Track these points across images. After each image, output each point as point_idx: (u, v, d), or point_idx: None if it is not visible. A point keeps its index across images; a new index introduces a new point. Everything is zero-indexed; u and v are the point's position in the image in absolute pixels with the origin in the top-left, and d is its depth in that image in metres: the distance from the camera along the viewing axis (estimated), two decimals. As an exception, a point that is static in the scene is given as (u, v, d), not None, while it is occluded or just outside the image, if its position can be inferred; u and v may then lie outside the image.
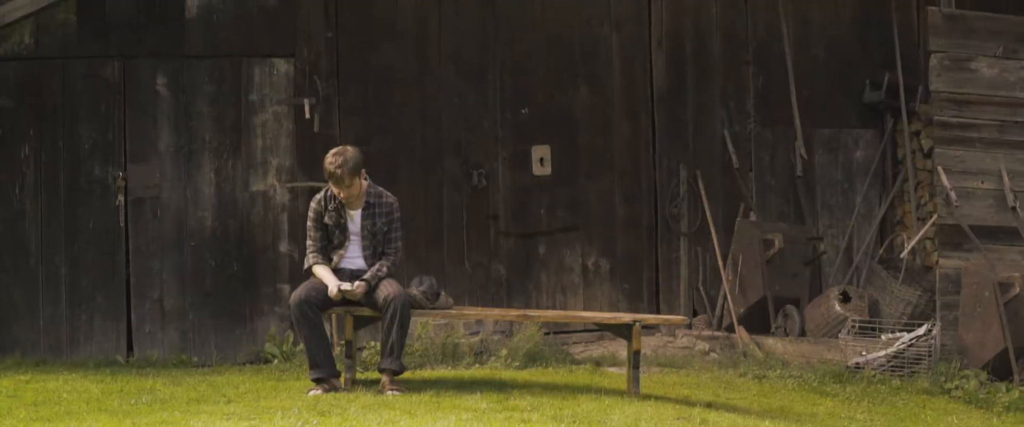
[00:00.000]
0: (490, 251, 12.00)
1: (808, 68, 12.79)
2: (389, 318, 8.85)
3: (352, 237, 9.20)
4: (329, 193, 9.19)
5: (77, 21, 11.06)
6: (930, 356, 11.11)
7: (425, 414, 7.71)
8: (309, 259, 9.22)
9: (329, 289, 8.96)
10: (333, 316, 9.53)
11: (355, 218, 9.18)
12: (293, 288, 9.89)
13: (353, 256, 9.20)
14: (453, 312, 9.87)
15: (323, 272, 9.10)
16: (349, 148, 9.13)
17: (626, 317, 9.53)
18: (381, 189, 9.33)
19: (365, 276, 9.02)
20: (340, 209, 9.17)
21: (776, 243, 12.09)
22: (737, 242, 12.26)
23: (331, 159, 9.02)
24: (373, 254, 9.21)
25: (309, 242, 9.26)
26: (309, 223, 9.27)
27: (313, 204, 9.26)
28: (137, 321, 11.16)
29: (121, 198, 11.13)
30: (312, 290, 9.00)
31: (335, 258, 9.20)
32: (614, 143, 12.34)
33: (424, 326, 10.91)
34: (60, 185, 11.05)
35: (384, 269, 9.09)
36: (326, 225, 9.20)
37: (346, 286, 8.93)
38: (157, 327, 11.15)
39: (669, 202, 12.40)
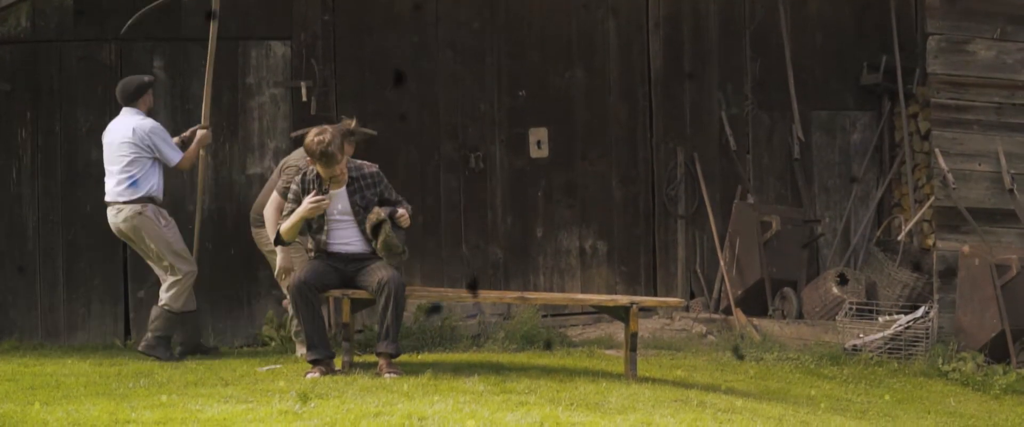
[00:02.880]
0: (487, 234, 12.00)
1: (806, 50, 12.79)
2: (384, 301, 8.83)
3: (341, 218, 9.07)
4: (309, 176, 8.99)
5: (73, 4, 11.05)
6: (927, 338, 11.13)
7: (422, 396, 7.72)
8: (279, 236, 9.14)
9: (306, 207, 8.87)
10: (329, 299, 9.50)
11: (339, 199, 9.02)
12: (290, 271, 9.91)
13: (350, 239, 9.05)
14: (450, 294, 9.87)
15: (291, 219, 8.95)
16: (327, 126, 8.97)
17: (623, 300, 9.53)
18: (359, 161, 9.17)
19: (388, 212, 8.97)
20: (321, 191, 8.95)
21: (773, 225, 12.10)
22: (734, 224, 12.27)
23: (318, 138, 8.80)
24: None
25: (283, 218, 9.12)
26: (289, 203, 9.08)
27: (293, 185, 9.06)
28: (135, 305, 11.16)
29: (118, 181, 11.12)
30: (312, 273, 8.96)
31: (314, 243, 9.10)
32: (611, 126, 12.34)
33: (421, 309, 10.91)
34: (57, 168, 11.05)
35: (403, 207, 9.08)
36: None
37: (316, 198, 8.88)
38: (155, 310, 11.14)
39: (666, 185, 12.40)
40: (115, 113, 11.09)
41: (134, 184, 10.11)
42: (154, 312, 10.19)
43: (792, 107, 12.66)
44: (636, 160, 12.41)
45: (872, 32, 12.86)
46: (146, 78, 10.50)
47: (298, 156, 9.79)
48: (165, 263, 10.17)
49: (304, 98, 11.34)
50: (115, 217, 10.16)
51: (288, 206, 9.06)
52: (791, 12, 12.72)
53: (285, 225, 9.00)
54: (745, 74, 12.67)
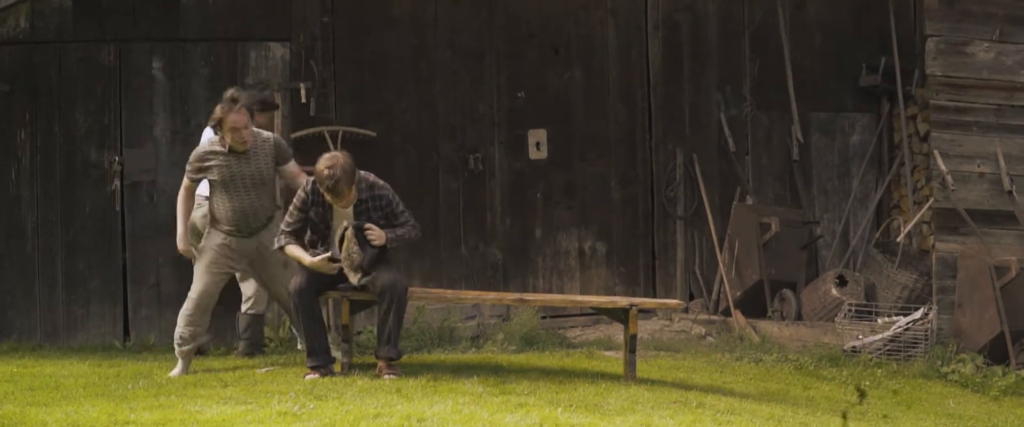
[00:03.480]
0: (487, 235, 12.00)
1: (804, 52, 12.79)
2: (386, 305, 8.78)
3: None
4: (316, 187, 8.78)
5: (73, 5, 11.04)
6: (926, 340, 11.13)
7: (422, 398, 7.71)
8: (280, 239, 8.96)
9: (308, 261, 8.78)
10: (329, 300, 9.48)
11: (346, 216, 8.85)
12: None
13: None
14: (449, 295, 9.82)
15: (297, 252, 8.89)
16: (339, 155, 8.68)
17: (622, 301, 9.52)
18: (372, 180, 8.91)
19: (356, 225, 8.78)
20: (326, 206, 8.83)
21: (773, 227, 12.10)
22: (734, 226, 12.26)
23: (328, 171, 8.56)
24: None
25: (285, 224, 8.99)
26: (292, 207, 8.97)
27: (300, 193, 8.90)
28: (134, 306, 11.16)
29: (117, 183, 11.13)
30: (312, 278, 8.89)
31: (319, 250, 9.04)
32: (610, 127, 12.34)
33: (421, 311, 10.91)
34: (56, 170, 11.05)
35: (400, 232, 8.93)
36: (310, 218, 8.91)
37: (324, 257, 8.77)
38: (154, 312, 11.15)
39: (665, 186, 12.40)
40: (114, 114, 11.11)
41: None
42: (243, 321, 10.22)
43: (791, 108, 12.65)
44: (635, 161, 12.40)
45: (871, 34, 12.85)
46: (276, 100, 10.56)
47: (205, 142, 9.36)
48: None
49: (303, 99, 11.34)
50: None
51: (294, 213, 8.97)
52: (790, 14, 12.71)
53: (291, 252, 8.93)
54: (744, 75, 12.67)
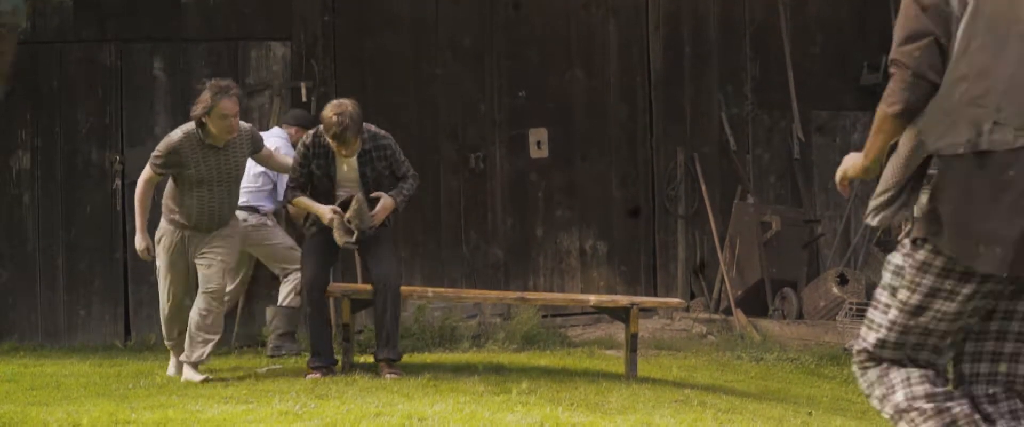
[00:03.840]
0: (488, 234, 12.00)
1: (806, 51, 12.79)
2: (382, 304, 8.73)
3: (349, 187, 8.78)
4: (318, 139, 8.65)
5: (73, 5, 11.05)
6: (927, 338, 11.11)
7: (423, 397, 7.71)
8: (288, 194, 8.90)
9: (316, 210, 8.66)
10: (330, 299, 9.46)
11: (350, 167, 8.77)
12: (291, 272, 9.90)
13: None
14: (450, 294, 9.82)
15: (307, 201, 8.77)
16: (347, 102, 8.50)
17: (623, 300, 9.51)
18: (374, 130, 8.79)
19: (391, 193, 8.74)
20: (329, 158, 8.71)
21: (774, 225, 12.10)
22: (735, 225, 12.26)
23: (337, 118, 8.37)
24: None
25: (290, 180, 8.89)
26: (294, 163, 8.88)
27: (300, 147, 8.78)
28: (135, 305, 11.16)
29: (118, 182, 11.13)
30: (318, 273, 8.81)
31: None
32: (611, 126, 12.34)
33: (421, 310, 10.91)
34: (57, 169, 11.05)
35: (405, 189, 8.85)
36: (312, 171, 8.77)
37: (334, 207, 8.62)
38: (155, 311, 11.08)
39: (666, 185, 12.40)
40: (115, 114, 11.12)
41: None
42: (270, 312, 10.14)
43: (792, 107, 12.66)
44: (636, 160, 12.41)
45: (872, 32, 12.84)
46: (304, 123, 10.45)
47: (178, 134, 8.86)
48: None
49: (304, 98, 11.34)
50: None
51: (297, 169, 8.79)
52: (791, 12, 12.71)
53: (301, 202, 8.81)
54: (745, 74, 12.67)
